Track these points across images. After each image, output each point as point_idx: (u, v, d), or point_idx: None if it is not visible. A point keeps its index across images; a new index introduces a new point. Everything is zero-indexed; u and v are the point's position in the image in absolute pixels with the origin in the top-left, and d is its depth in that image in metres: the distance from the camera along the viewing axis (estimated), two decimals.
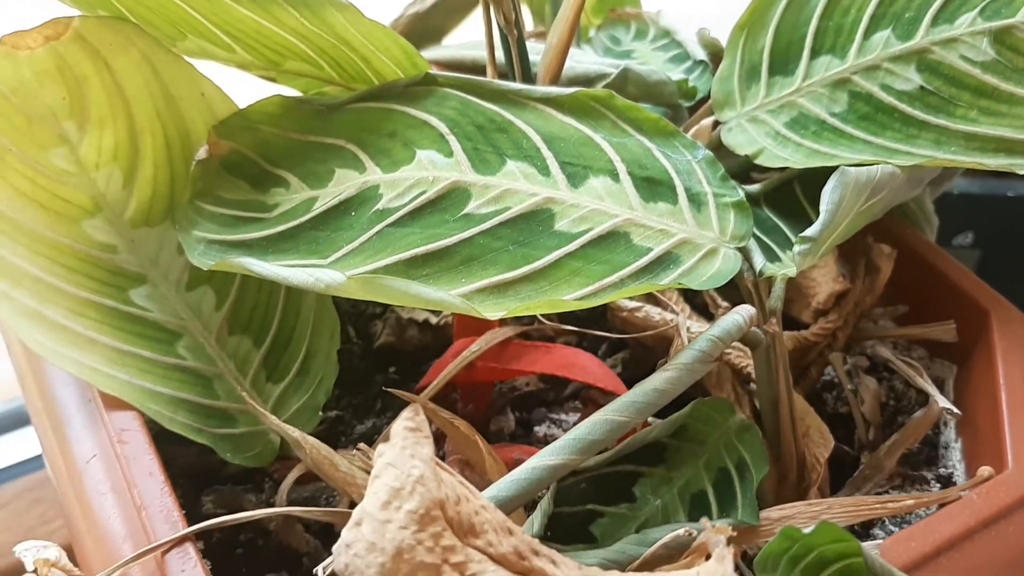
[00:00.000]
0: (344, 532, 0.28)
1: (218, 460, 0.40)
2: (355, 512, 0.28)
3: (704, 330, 0.35)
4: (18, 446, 0.60)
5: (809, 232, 0.35)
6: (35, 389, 0.38)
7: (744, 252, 0.36)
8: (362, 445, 0.35)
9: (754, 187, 0.43)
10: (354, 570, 0.27)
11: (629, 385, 0.34)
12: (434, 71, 0.40)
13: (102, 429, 0.35)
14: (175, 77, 0.39)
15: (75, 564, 0.33)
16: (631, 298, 0.45)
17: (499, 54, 0.43)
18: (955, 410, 0.38)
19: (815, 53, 0.43)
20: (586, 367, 0.42)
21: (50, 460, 0.37)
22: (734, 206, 0.36)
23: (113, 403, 0.36)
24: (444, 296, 0.32)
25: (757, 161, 0.42)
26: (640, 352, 0.46)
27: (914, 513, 0.38)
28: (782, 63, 0.44)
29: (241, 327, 0.40)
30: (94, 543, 0.33)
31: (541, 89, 0.39)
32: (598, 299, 0.33)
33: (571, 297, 0.33)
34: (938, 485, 0.40)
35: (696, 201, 0.36)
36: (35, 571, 0.30)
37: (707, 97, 0.46)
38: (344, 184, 0.38)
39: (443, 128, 0.38)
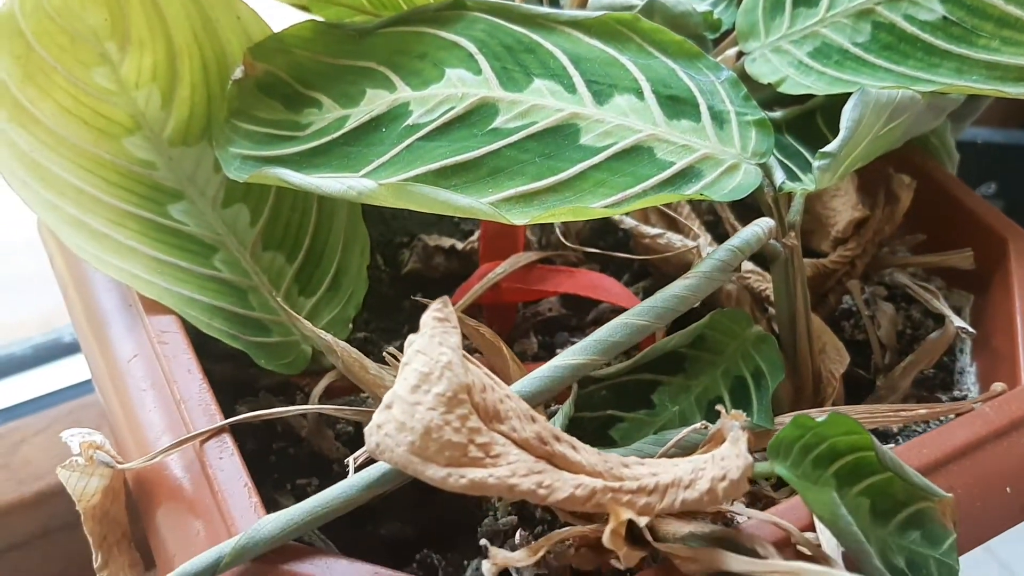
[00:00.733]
0: (375, 415, 0.29)
1: (253, 374, 0.42)
2: (386, 396, 0.29)
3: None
4: (55, 376, 0.62)
5: (829, 148, 0.36)
6: (77, 298, 0.39)
7: (765, 168, 0.37)
8: (391, 349, 0.36)
9: (776, 114, 0.44)
10: (384, 449, 0.29)
11: None
12: None
13: (143, 331, 0.37)
14: (212, 0, 0.41)
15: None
16: (654, 225, 0.46)
17: None
18: (970, 329, 0.39)
19: None
20: (608, 288, 0.43)
21: (91, 364, 0.38)
22: (755, 124, 0.37)
23: (153, 307, 0.37)
24: (472, 202, 0.34)
25: (780, 89, 0.42)
26: (662, 280, 0.47)
27: (926, 429, 0.39)
28: None
29: (275, 243, 0.41)
30: (134, 437, 0.34)
31: (568, 12, 0.40)
32: (621, 208, 0.34)
33: (596, 205, 0.34)
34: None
35: (719, 119, 0.37)
36: (80, 454, 0.32)
37: (732, 29, 0.46)
38: (375, 103, 0.39)
39: (472, 48, 0.39)
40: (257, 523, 0.30)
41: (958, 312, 0.44)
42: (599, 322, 0.46)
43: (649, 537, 0.30)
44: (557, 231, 0.45)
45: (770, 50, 0.44)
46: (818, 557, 0.29)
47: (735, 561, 0.27)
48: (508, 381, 0.38)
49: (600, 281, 0.43)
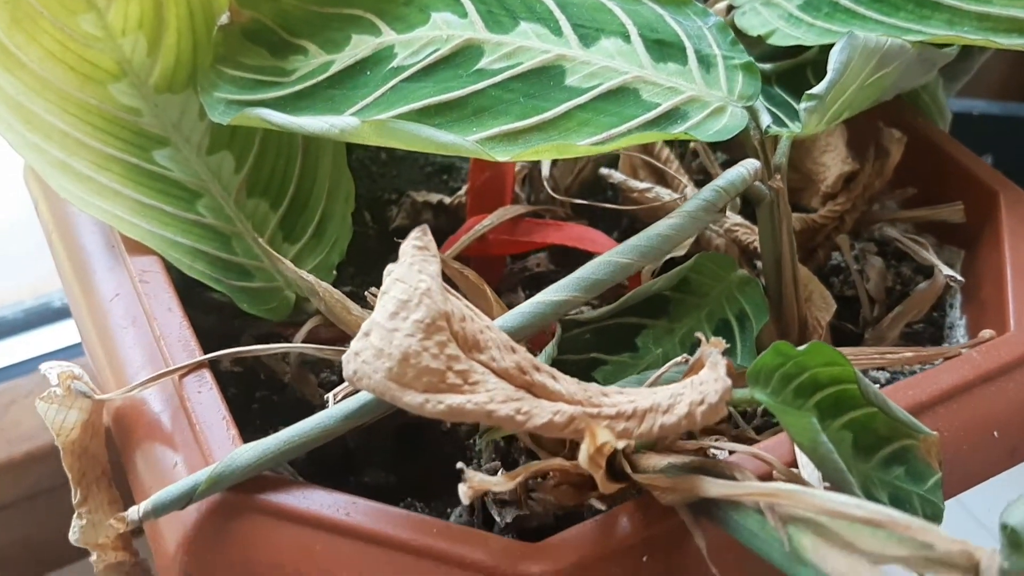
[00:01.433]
0: (353, 342, 0.29)
1: (237, 326, 0.41)
2: (364, 324, 0.29)
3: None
4: (45, 340, 0.62)
5: (816, 90, 0.35)
6: (60, 241, 0.39)
7: (751, 111, 0.36)
8: (373, 288, 0.36)
9: (767, 66, 0.44)
10: (362, 376, 0.29)
11: None
12: None
13: (124, 271, 0.37)
14: None
15: None
16: (642, 180, 0.45)
17: None
18: (958, 277, 0.39)
19: None
20: (596, 240, 0.43)
21: (74, 306, 0.38)
22: (743, 68, 0.37)
23: (135, 248, 0.37)
24: (455, 139, 0.33)
25: (770, 41, 0.42)
26: None
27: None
28: None
29: (259, 190, 0.41)
30: (114, 374, 0.34)
31: None
32: (606, 147, 0.34)
33: (581, 143, 0.34)
34: (942, 361, 0.41)
35: (705, 62, 0.37)
36: (58, 385, 0.32)
37: None
38: (360, 47, 0.38)
39: None
40: (234, 452, 0.30)
41: (950, 268, 0.44)
42: None
43: (629, 470, 0.30)
44: (546, 186, 0.45)
45: (760, 3, 0.44)
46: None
47: (713, 486, 0.27)
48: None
49: (588, 233, 0.43)
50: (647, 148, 0.46)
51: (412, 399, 0.28)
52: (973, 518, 0.66)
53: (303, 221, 0.41)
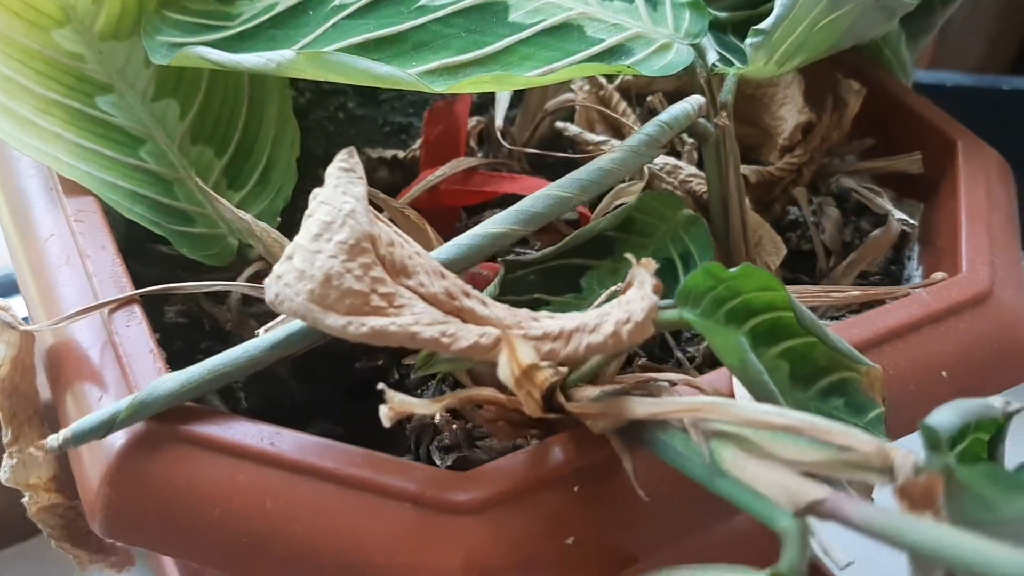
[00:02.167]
0: (276, 266, 0.28)
1: (182, 279, 0.41)
2: (287, 248, 0.29)
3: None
4: None
5: (762, 25, 0.35)
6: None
7: (698, 49, 0.36)
8: None
9: (723, 15, 0.43)
10: (284, 299, 0.28)
11: None
12: None
13: (61, 212, 0.36)
14: None
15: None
16: (598, 133, 0.45)
17: None
18: (910, 221, 0.38)
19: None
20: None
21: (11, 249, 0.38)
22: (690, 5, 0.36)
23: (73, 190, 0.37)
24: (393, 71, 0.33)
25: None
26: None
27: None
28: None
29: (204, 137, 0.40)
30: (48, 311, 0.34)
31: None
32: (547, 80, 0.34)
33: (522, 75, 0.33)
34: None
35: (652, 0, 0.36)
36: None
37: None
38: None
39: None
40: (156, 381, 0.29)
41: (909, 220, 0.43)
42: (550, 231, 0.46)
43: (563, 401, 0.30)
44: (498, 135, 0.45)
45: None
46: None
47: (639, 405, 0.26)
48: None
49: (541, 184, 0.42)
50: (603, 101, 0.45)
51: (334, 321, 0.27)
52: None
53: (248, 168, 0.40)
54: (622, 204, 0.37)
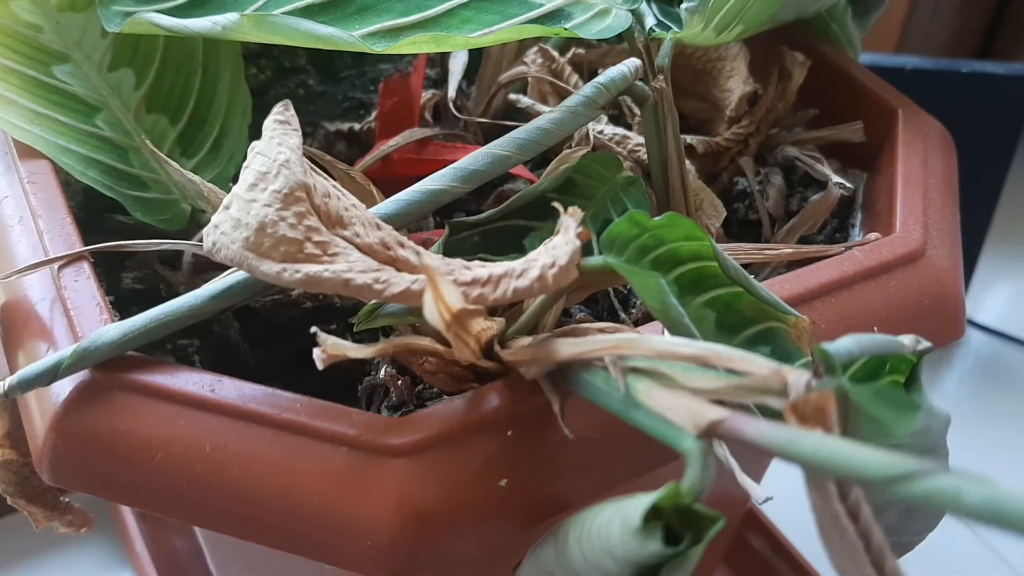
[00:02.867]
0: (213, 216, 0.29)
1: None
2: (225, 199, 0.29)
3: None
4: None
5: None
6: None
7: (636, 15, 0.37)
8: None
9: None
10: (220, 247, 0.29)
11: None
12: None
13: (15, 174, 0.37)
14: None
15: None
16: (550, 104, 0.46)
17: None
18: (848, 184, 0.39)
19: None
20: None
21: None
22: None
23: (28, 153, 0.37)
24: (334, 32, 0.34)
25: None
26: None
27: None
28: None
29: (159, 106, 0.41)
30: (1, 269, 0.34)
31: None
32: (486, 41, 0.34)
33: (461, 36, 0.34)
34: None
35: None
36: None
37: None
38: None
39: None
40: (99, 330, 0.30)
41: (853, 191, 0.44)
42: (499, 200, 0.46)
43: (499, 350, 0.30)
44: (451, 107, 0.46)
45: None
46: None
47: (564, 346, 0.27)
48: None
49: None
50: (555, 74, 0.46)
51: (269, 268, 0.28)
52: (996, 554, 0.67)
53: (201, 136, 0.41)
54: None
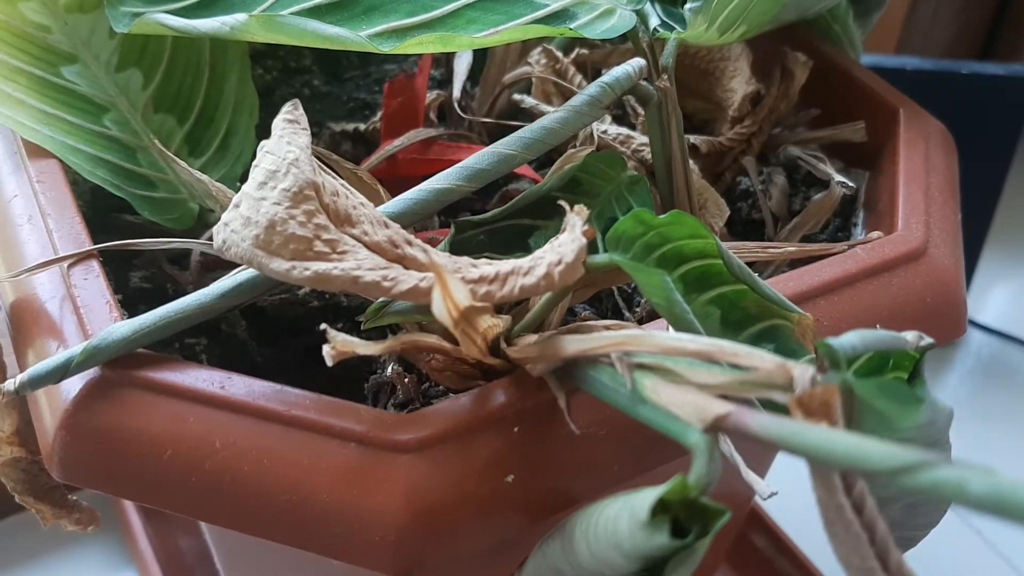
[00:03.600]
0: (224, 214, 0.30)
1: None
2: (235, 197, 0.30)
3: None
4: None
5: None
6: None
7: (640, 15, 0.37)
8: None
9: None
10: (230, 244, 0.29)
11: None
12: None
13: (24, 174, 0.37)
14: None
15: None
16: (554, 104, 0.46)
17: None
18: (850, 184, 0.39)
19: None
20: None
21: None
22: None
23: (36, 153, 0.38)
24: (340, 32, 0.34)
25: None
26: None
27: None
28: None
29: (166, 106, 0.41)
30: (9, 267, 0.35)
31: None
32: (492, 41, 0.35)
33: (467, 36, 0.34)
34: None
35: None
36: None
37: None
38: None
39: None
40: (109, 327, 0.30)
41: (855, 190, 0.45)
42: (504, 200, 0.47)
43: (505, 347, 0.31)
44: (456, 107, 0.46)
45: None
46: None
47: (570, 343, 0.28)
48: None
49: None
50: (559, 74, 0.46)
51: (279, 266, 0.28)
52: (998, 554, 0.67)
53: (209, 135, 0.41)
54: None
